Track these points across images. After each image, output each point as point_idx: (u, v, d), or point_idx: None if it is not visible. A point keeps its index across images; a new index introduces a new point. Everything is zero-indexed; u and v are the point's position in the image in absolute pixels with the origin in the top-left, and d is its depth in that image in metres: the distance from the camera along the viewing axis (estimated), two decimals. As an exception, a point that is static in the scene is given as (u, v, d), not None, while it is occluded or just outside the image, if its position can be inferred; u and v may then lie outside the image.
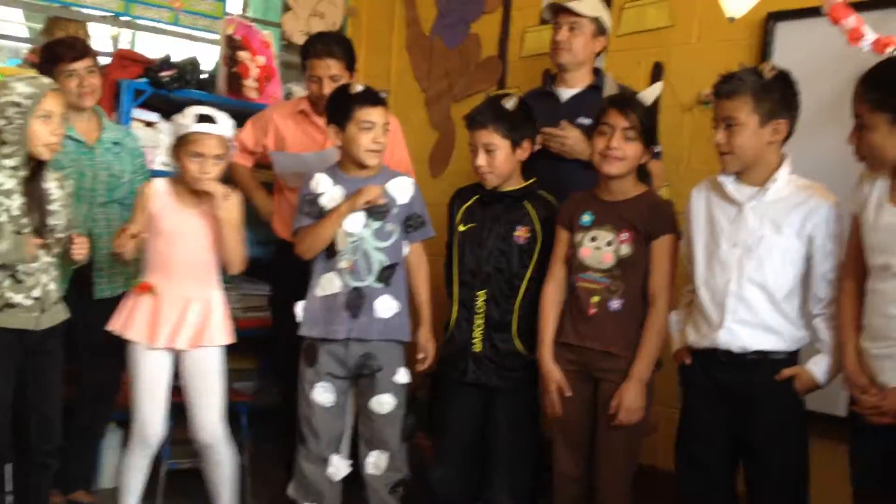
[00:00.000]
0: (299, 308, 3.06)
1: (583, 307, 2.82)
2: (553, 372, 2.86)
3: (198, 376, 3.07)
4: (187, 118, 2.99)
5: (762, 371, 2.53)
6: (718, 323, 2.57)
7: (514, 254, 3.03)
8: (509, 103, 3.03)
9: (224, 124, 3.04)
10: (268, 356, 4.23)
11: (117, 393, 3.52)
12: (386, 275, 3.02)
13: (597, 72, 3.45)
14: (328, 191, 3.03)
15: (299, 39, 4.68)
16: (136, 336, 3.02)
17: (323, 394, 3.03)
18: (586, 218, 2.87)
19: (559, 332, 2.89)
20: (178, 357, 3.07)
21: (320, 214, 3.02)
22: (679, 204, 3.48)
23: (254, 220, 4.10)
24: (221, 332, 3.11)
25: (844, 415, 2.49)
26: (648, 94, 2.87)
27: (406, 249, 3.10)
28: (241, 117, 4.06)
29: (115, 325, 3.06)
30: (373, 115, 2.97)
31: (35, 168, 2.82)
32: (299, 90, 4.40)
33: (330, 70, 3.51)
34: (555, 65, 3.43)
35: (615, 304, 2.79)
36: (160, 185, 3.09)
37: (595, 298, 2.81)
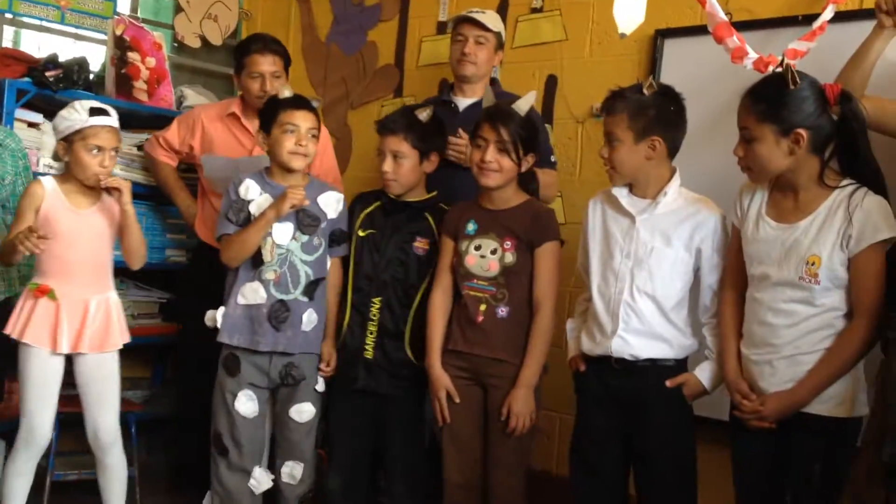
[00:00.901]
0: (219, 314, 3.00)
1: (471, 315, 2.85)
2: (442, 378, 2.88)
3: (98, 380, 3.00)
4: (80, 112, 2.92)
5: (652, 378, 2.61)
6: (611, 331, 2.63)
7: (413, 264, 3.04)
8: (423, 115, 3.06)
9: (115, 118, 2.98)
10: (160, 364, 4.14)
11: (1, 401, 3.39)
12: (311, 288, 3.00)
13: (493, 82, 3.52)
14: (256, 198, 2.99)
15: (192, 42, 4.61)
16: (37, 341, 2.91)
17: (246, 403, 2.99)
18: (470, 227, 2.90)
19: (448, 340, 2.91)
20: (71, 361, 2.97)
21: (247, 221, 2.97)
22: (572, 214, 3.59)
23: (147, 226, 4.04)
24: (121, 334, 3.06)
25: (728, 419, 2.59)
26: (522, 105, 2.90)
27: (328, 264, 3.09)
28: (130, 120, 3.98)
29: (12, 330, 2.93)
30: (296, 117, 2.96)
31: None
32: (191, 93, 4.32)
33: (273, 66, 3.49)
34: (457, 76, 3.47)
35: (502, 311, 2.82)
36: (49, 185, 2.98)
37: (482, 306, 2.84)
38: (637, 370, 2.61)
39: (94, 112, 2.93)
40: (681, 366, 2.65)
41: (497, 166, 2.81)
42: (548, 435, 3.57)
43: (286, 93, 3.04)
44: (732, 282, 2.57)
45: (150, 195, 3.92)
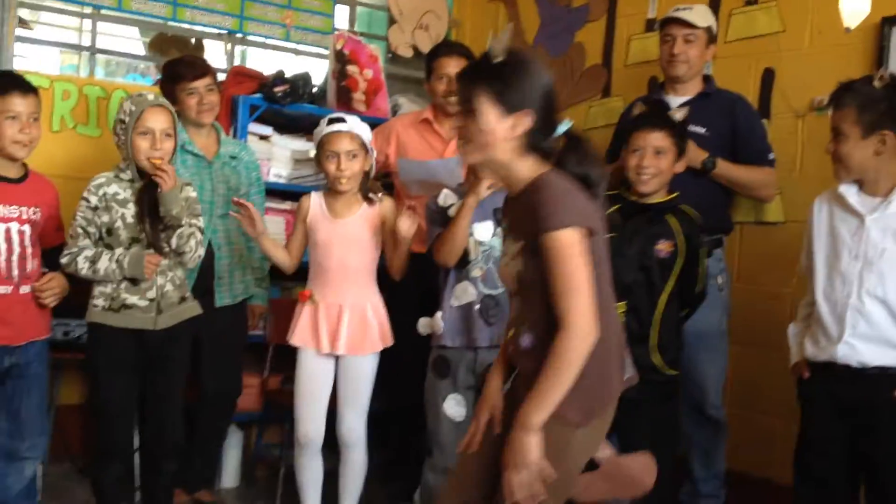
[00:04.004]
0: (438, 319, 3.11)
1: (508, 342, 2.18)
2: (493, 395, 2.16)
3: (350, 380, 3.19)
4: (321, 125, 3.16)
5: (883, 386, 2.48)
6: (837, 337, 2.53)
7: (655, 267, 2.97)
8: (678, 114, 3.06)
9: (354, 123, 3.17)
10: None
11: (238, 397, 3.65)
12: None
13: (706, 79, 3.45)
14: (456, 203, 3.06)
15: (405, 52, 4.79)
16: (301, 342, 3.17)
17: (455, 407, 3.06)
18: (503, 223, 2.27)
19: None
20: (336, 361, 3.19)
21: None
22: (792, 212, 3.46)
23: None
24: (378, 339, 3.21)
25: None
26: (495, 45, 1.98)
27: None
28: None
29: (289, 336, 3.20)
30: None
31: (150, 179, 2.94)
32: (405, 102, 4.49)
33: (458, 68, 3.59)
34: (668, 76, 3.43)
35: (525, 340, 2.06)
36: (315, 198, 3.24)
37: (510, 332, 2.16)
38: (866, 378, 2.49)
39: (331, 122, 3.16)
40: (917, 375, 2.50)
41: (470, 137, 2.02)
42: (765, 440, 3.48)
43: None
44: None
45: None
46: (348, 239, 3.18)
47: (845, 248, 2.56)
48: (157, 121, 2.92)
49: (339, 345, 3.13)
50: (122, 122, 2.92)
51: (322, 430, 3.17)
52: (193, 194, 3.09)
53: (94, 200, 2.92)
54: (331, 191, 3.22)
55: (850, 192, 2.57)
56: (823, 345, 2.57)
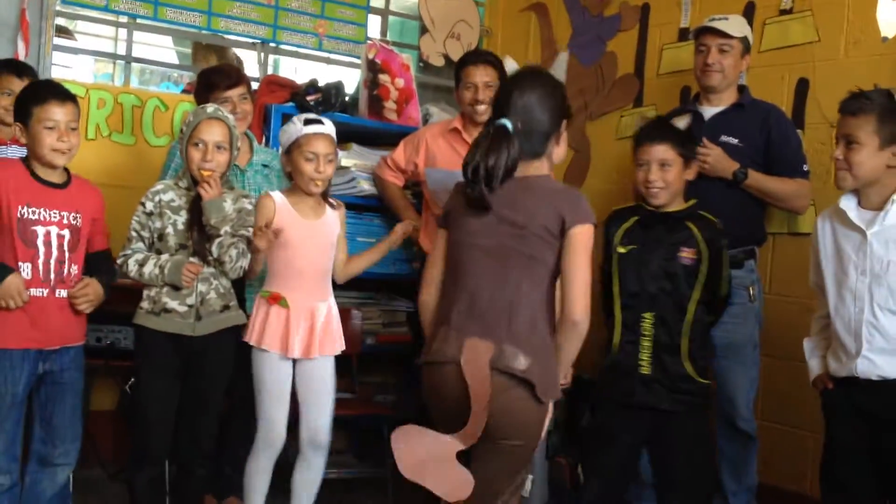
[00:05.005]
0: None
1: None
2: None
3: (315, 382, 3.14)
4: (296, 124, 3.11)
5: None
6: (855, 352, 2.54)
7: (681, 274, 2.97)
8: (681, 122, 3.09)
9: (330, 127, 3.14)
10: (408, 371, 4.32)
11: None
12: None
13: (741, 89, 3.43)
14: None
15: (436, 61, 4.80)
16: (271, 346, 3.08)
17: None
18: None
19: None
20: (293, 363, 3.13)
21: None
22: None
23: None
24: (338, 340, 3.19)
25: None
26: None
27: None
28: (381, 139, 4.20)
29: (249, 337, 3.11)
30: None
31: None
32: (436, 111, 4.50)
33: (486, 77, 3.61)
34: (703, 86, 3.42)
35: None
36: (279, 198, 3.15)
37: None
38: (888, 389, 2.50)
39: (308, 122, 3.11)
40: (936, 385, 2.48)
41: None
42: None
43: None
44: None
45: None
46: (323, 240, 3.15)
47: (851, 264, 2.57)
48: (211, 133, 2.97)
49: (314, 348, 3.07)
50: (182, 131, 3.01)
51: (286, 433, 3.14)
52: (250, 206, 3.12)
53: (149, 206, 2.99)
54: (294, 192, 3.15)
55: (849, 206, 2.59)
56: (843, 360, 2.59)
